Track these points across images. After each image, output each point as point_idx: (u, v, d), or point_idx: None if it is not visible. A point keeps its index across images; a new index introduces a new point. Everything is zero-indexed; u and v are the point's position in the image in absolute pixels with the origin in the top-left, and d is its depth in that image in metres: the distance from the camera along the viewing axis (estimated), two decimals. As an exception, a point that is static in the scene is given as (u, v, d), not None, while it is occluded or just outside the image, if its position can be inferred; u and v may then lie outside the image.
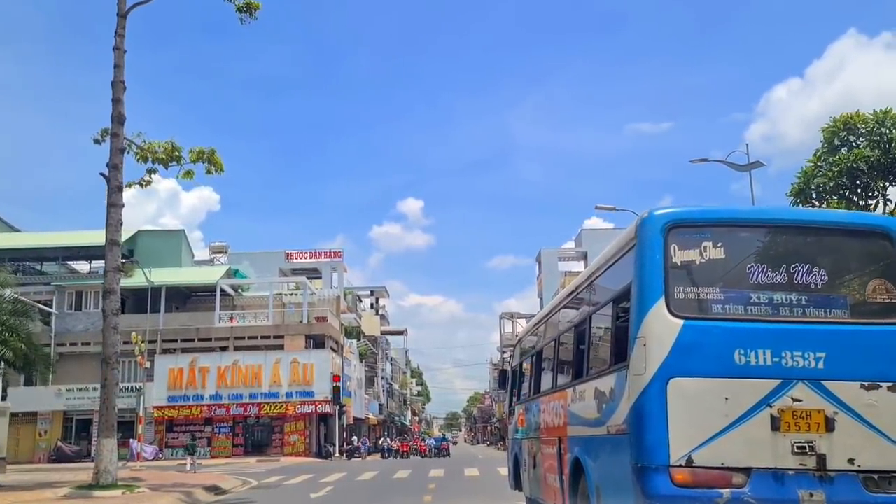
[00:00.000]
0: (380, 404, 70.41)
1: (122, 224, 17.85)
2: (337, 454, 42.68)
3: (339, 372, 43.93)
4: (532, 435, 9.86)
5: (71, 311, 43.51)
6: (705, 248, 5.65)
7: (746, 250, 5.79)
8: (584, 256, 63.63)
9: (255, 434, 42.66)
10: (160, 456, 40.07)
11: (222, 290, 44.80)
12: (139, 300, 43.42)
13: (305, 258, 59.69)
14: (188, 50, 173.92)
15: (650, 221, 5.74)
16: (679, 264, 5.61)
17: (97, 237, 45.02)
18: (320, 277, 60.25)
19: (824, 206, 10.98)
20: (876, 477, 5.25)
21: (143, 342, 37.87)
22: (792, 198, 11.05)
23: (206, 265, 52.54)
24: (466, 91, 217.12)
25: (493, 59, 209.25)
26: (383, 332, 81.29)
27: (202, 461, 37.50)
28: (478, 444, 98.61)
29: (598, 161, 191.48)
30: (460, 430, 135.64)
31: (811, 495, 5.17)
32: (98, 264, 47.17)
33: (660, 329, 5.41)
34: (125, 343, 40.17)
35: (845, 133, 11.42)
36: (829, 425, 5.27)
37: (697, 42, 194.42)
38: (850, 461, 5.24)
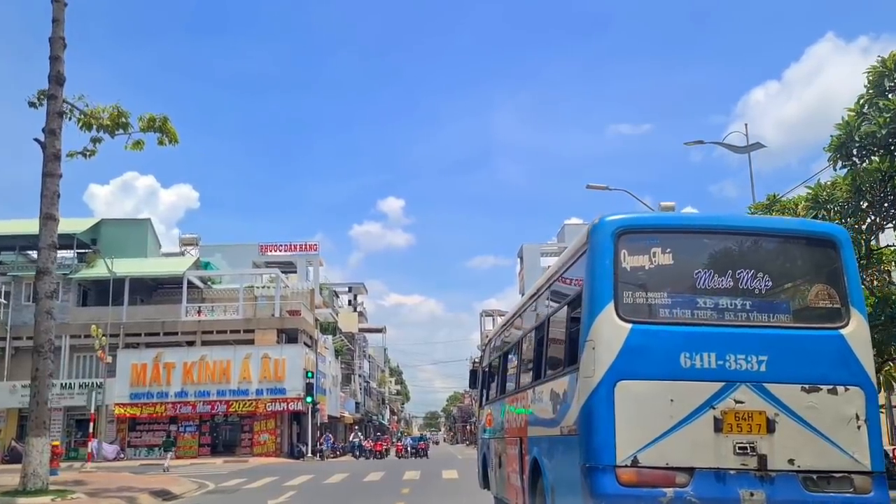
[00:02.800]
0: (357, 402, 68.38)
1: (59, 196, 15.85)
2: (310, 454, 40.71)
3: (313, 368, 41.99)
4: (498, 435, 10.00)
5: (29, 303, 41.00)
6: (654, 253, 5.73)
7: (694, 256, 5.86)
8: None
9: (223, 433, 40.50)
10: (122, 456, 37.93)
11: (190, 283, 42.60)
12: (101, 292, 41.23)
13: (280, 251, 57.50)
14: (170, 47, 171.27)
15: (601, 227, 5.81)
16: (628, 270, 5.70)
17: (64, 225, 43.09)
18: (296, 271, 58.19)
19: (865, 164, 9.33)
20: (815, 477, 5.38)
21: (103, 336, 35.82)
22: (831, 153, 9.40)
23: (175, 258, 50.18)
24: (448, 91, 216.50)
25: (476, 59, 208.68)
26: (361, 330, 79.27)
27: (165, 462, 35.55)
28: (457, 443, 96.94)
29: (579, 162, 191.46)
30: (439, 430, 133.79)
31: (752, 495, 5.29)
32: (63, 254, 44.82)
33: (608, 333, 5.50)
34: (86, 337, 38.32)
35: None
36: (771, 427, 5.39)
37: (677, 45, 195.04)
38: (790, 461, 5.37)
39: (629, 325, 5.51)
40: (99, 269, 40.65)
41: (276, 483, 19.76)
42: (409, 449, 47.17)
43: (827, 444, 5.42)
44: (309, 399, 39.62)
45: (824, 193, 10.31)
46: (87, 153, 17.35)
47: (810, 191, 10.60)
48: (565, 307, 6.60)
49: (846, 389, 5.54)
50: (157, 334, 40.72)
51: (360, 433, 52.41)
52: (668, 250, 5.78)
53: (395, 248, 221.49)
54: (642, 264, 5.74)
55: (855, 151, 9.20)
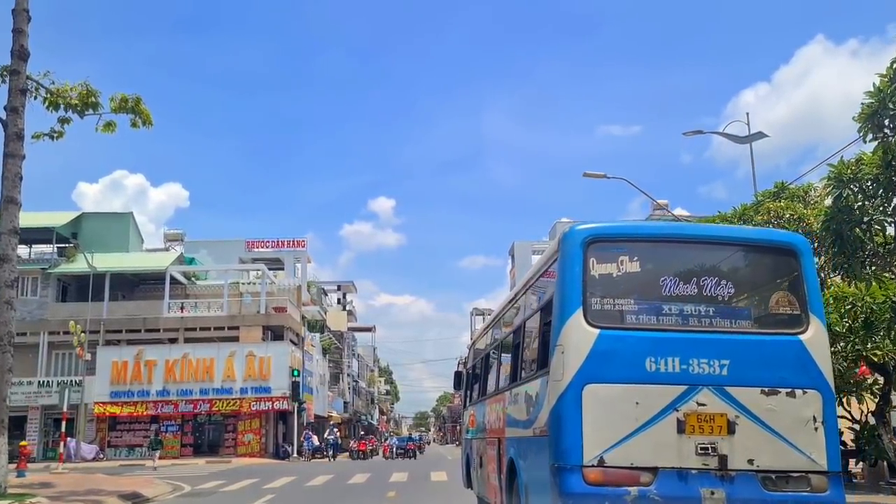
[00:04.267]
0: (345, 402, 67.28)
1: (21, 178, 14.81)
2: (295, 454, 39.64)
3: (300, 366, 40.91)
4: (479, 436, 10.17)
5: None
6: (622, 261, 5.90)
7: (660, 264, 6.02)
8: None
9: (207, 433, 39.37)
10: (101, 456, 36.78)
11: (173, 279, 41.45)
12: (82, 287, 40.08)
13: (267, 247, 56.13)
14: (160, 45, 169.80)
15: (571, 236, 5.98)
16: (597, 277, 5.86)
17: (37, 219, 41.76)
18: (283, 268, 57.01)
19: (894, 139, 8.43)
20: (773, 476, 5.55)
21: (82, 332, 34.64)
22: (860, 123, 8.52)
23: (158, 253, 48.97)
24: (440, 91, 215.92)
25: (467, 59, 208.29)
26: (350, 329, 78.17)
27: (145, 462, 34.45)
28: (447, 444, 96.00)
29: (570, 162, 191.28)
30: (428, 430, 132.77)
31: (712, 493, 5.46)
32: (42, 248, 43.65)
33: (577, 338, 5.66)
34: (65, 333, 37.05)
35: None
36: (731, 428, 5.56)
37: (668, 46, 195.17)
38: (750, 462, 5.54)
39: (597, 331, 5.68)
40: (79, 264, 39.46)
41: (256, 485, 18.76)
42: (395, 450, 45.24)
43: (785, 445, 5.61)
44: (296, 399, 38.55)
45: (849, 171, 9.42)
46: (55, 135, 16.36)
47: (832, 169, 9.70)
48: (539, 312, 6.75)
49: (804, 393, 5.73)
50: (139, 331, 39.53)
51: (335, 429, 45.51)
52: (636, 258, 5.98)
53: (385, 248, 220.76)
54: (610, 272, 5.92)
55: (887, 122, 8.32)
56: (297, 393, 38.62)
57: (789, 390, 5.70)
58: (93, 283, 38.55)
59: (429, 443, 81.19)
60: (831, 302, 11.99)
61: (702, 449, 5.53)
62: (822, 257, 12.04)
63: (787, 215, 14.48)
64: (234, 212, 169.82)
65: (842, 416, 13.60)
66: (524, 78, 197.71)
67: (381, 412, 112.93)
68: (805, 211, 14.47)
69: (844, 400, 13.39)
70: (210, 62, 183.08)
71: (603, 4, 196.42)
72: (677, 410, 5.57)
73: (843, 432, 10.73)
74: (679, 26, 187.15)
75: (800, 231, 14.75)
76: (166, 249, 52.31)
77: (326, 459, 38.48)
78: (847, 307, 11.90)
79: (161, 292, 40.56)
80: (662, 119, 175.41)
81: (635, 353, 5.66)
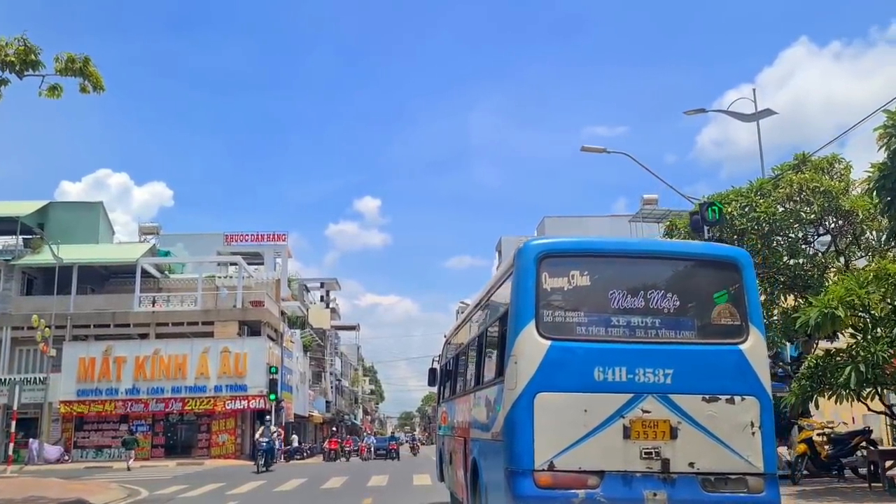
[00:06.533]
0: (327, 401, 65.46)
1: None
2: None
3: (278, 363, 39.07)
4: (449, 433, 10.49)
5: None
6: (573, 276, 6.18)
7: (609, 278, 6.30)
8: (548, 245, 59.65)
9: (179, 433, 37.29)
10: (66, 458, 34.77)
11: (145, 271, 39.42)
12: (48, 280, 37.98)
13: (246, 240, 54.09)
14: (145, 43, 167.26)
15: (525, 252, 6.24)
16: (549, 290, 6.14)
17: (1, 208, 39.74)
18: (263, 263, 55.04)
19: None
20: (713, 478, 5.86)
21: (46, 327, 32.74)
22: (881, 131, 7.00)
23: (129, 245, 46.86)
24: (426, 91, 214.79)
25: (453, 60, 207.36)
26: (334, 327, 76.29)
27: (113, 464, 32.59)
28: (432, 444, 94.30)
29: (556, 163, 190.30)
30: (413, 431, 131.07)
31: (655, 495, 5.77)
32: (5, 239, 41.47)
33: (529, 349, 5.95)
34: (30, 328, 35.03)
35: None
36: (674, 433, 5.85)
37: (653, 48, 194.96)
38: (691, 465, 5.85)
39: (548, 342, 5.91)
40: (45, 256, 37.36)
41: (220, 490, 17.04)
42: (373, 450, 42.77)
43: (724, 448, 5.87)
44: (273, 397, 36.67)
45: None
46: (-10, 96, 14.51)
47: (889, 116, 8.14)
48: (497, 321, 6.97)
49: (743, 399, 5.97)
50: (108, 326, 37.62)
51: (271, 425, 29.10)
52: (586, 273, 6.20)
53: (371, 248, 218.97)
54: (562, 286, 6.15)
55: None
56: (274, 391, 36.74)
57: (729, 397, 5.96)
58: (60, 276, 36.57)
59: (421, 443, 71.53)
60: (872, 280, 10.44)
61: (646, 453, 5.81)
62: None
63: (812, 187, 12.94)
64: (219, 211, 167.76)
65: (882, 412, 12.06)
66: (511, 78, 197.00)
67: (366, 412, 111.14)
68: (833, 183, 12.93)
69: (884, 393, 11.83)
70: (195, 61, 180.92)
71: (589, 6, 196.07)
72: (623, 417, 5.83)
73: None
74: (664, 28, 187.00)
75: (826, 206, 13.22)
76: (142, 242, 50.27)
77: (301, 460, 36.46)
78: (891, 287, 10.34)
79: (132, 286, 38.59)
80: (648, 120, 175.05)
81: (584, 364, 5.91)
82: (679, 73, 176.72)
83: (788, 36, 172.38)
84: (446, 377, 11.84)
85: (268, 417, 21.25)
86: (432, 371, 13.82)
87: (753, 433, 5.91)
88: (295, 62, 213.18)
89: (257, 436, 23.60)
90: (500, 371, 6.43)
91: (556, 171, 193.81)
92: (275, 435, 22.79)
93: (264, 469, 23.67)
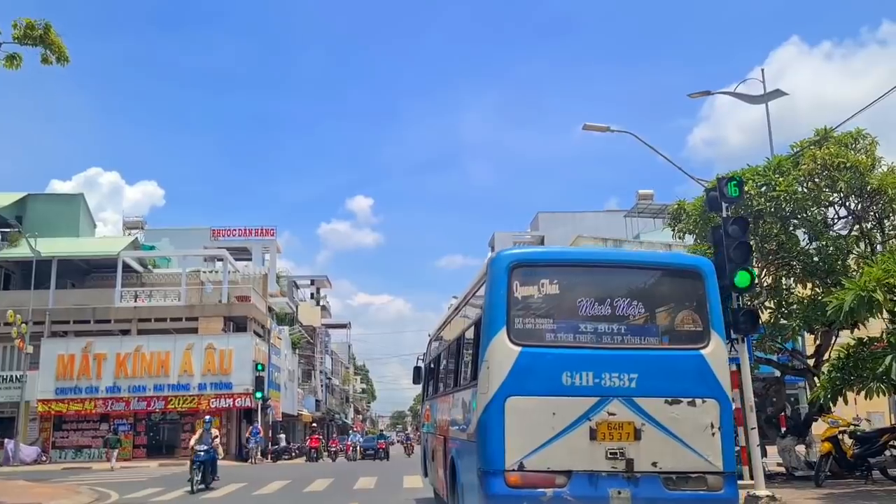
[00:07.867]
0: (317, 400, 64.21)
1: None
2: (259, 456, 36.51)
3: (265, 360, 37.84)
4: (431, 431, 10.75)
5: None
6: (543, 284, 6.46)
7: (578, 287, 6.57)
8: (542, 241, 58.65)
9: (161, 432, 35.99)
10: (44, 459, 33.47)
11: (127, 266, 38.14)
12: (26, 275, 36.58)
13: (234, 235, 52.89)
14: (136, 41, 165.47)
15: (497, 261, 6.58)
16: (520, 298, 6.41)
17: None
18: (251, 258, 53.81)
19: None
20: (674, 477, 6.15)
21: (23, 322, 31.46)
22: None
23: (110, 238, 45.49)
24: (418, 90, 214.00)
25: (446, 59, 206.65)
26: (325, 325, 75.08)
27: (93, 465, 31.33)
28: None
29: (548, 162, 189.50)
30: (406, 430, 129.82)
31: (619, 493, 6.05)
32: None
33: (501, 355, 6.23)
34: (5, 324, 33.75)
35: None
36: (638, 435, 6.14)
37: (645, 47, 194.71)
38: (654, 464, 6.12)
39: (519, 348, 6.23)
40: (22, 249, 35.98)
41: (196, 493, 15.83)
42: (359, 449, 40.66)
43: (685, 449, 6.19)
44: (259, 395, 35.48)
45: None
46: (-59, 66, 13.32)
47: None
48: (472, 327, 7.22)
49: (704, 401, 6.29)
50: (88, 322, 36.22)
51: (211, 428, 18.83)
52: (556, 281, 6.50)
53: (363, 248, 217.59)
54: (532, 294, 6.47)
55: None
56: (260, 389, 35.55)
57: (690, 400, 6.24)
58: (38, 270, 35.15)
59: (415, 444, 65.76)
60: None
61: (611, 454, 6.09)
62: None
63: (838, 163, 11.85)
64: (211, 210, 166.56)
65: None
66: (503, 77, 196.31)
67: (357, 411, 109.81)
68: (860, 158, 11.85)
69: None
70: (187, 59, 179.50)
71: (581, 4, 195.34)
72: (590, 420, 6.11)
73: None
74: (656, 27, 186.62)
75: (853, 183, 12.16)
76: (125, 237, 48.92)
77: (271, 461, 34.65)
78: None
79: (113, 280, 37.28)
80: (639, 120, 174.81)
81: (553, 369, 6.18)
82: (670, 73, 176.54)
83: (780, 36, 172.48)
84: (430, 376, 12.05)
85: (208, 417, 16.50)
86: (417, 369, 13.94)
87: (713, 434, 6.20)
88: (287, 61, 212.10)
89: (192, 442, 17.82)
90: (475, 375, 6.66)
91: (549, 170, 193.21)
92: (216, 441, 17.41)
93: (201, 486, 16.51)
